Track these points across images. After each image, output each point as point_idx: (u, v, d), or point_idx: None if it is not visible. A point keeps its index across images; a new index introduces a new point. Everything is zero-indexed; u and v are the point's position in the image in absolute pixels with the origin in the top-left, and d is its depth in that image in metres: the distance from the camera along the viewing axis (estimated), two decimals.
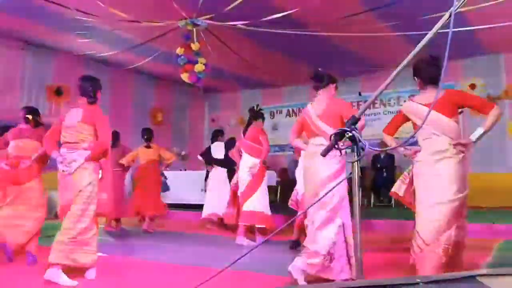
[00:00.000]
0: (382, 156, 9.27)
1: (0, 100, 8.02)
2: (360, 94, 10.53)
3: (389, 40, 7.32)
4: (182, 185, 8.56)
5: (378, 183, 9.14)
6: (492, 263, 3.93)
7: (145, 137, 6.88)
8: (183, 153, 9.63)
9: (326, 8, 6.16)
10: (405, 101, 9.72)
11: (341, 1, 6.12)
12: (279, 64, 9.25)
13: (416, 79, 2.92)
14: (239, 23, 6.24)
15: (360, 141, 1.35)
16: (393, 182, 9.66)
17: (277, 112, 11.59)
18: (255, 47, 8.05)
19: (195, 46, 6.67)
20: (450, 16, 1.28)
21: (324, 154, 1.38)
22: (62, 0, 5.93)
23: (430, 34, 1.31)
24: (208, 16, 6.35)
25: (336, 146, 1.34)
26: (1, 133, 4.42)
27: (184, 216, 7.99)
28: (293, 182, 9.17)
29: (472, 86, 9.15)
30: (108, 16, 6.34)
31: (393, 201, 8.71)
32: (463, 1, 1.27)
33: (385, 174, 9.10)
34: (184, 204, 8.54)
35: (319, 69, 3.60)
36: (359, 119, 1.38)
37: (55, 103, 8.92)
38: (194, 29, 6.66)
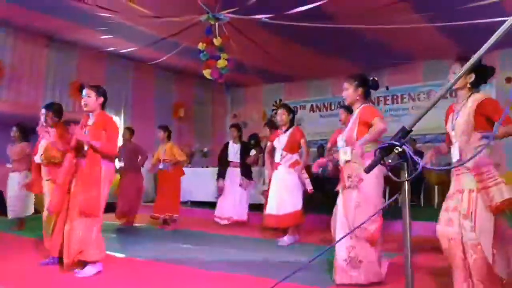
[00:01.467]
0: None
1: (24, 96, 8.08)
2: (387, 88, 10.12)
3: (418, 32, 6.95)
4: (201, 182, 8.42)
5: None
6: None
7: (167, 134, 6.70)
8: (205, 149, 9.50)
9: None
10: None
11: None
12: (303, 57, 8.98)
13: (471, 74, 2.47)
14: (263, 17, 6.01)
15: (412, 157, 1.13)
16: (422, 179, 9.34)
17: (300, 107, 11.32)
18: (279, 40, 7.80)
19: (217, 41, 6.49)
20: None
21: (368, 171, 1.17)
22: None
23: (494, 38, 1.07)
24: (230, 10, 6.15)
25: (382, 162, 1.14)
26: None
27: (203, 215, 7.86)
28: (317, 179, 8.99)
29: (508, 80, 8.66)
30: (129, 12, 6.24)
31: (422, 201, 8.38)
32: None
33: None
34: (204, 202, 8.40)
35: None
36: (410, 131, 1.17)
37: (79, 99, 8.92)
38: (216, 24, 6.48)
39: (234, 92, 12.89)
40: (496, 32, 1.11)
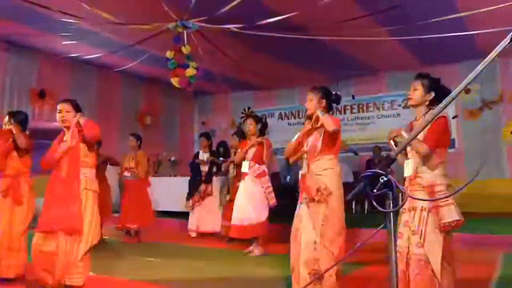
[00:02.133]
0: (376, 161, 9.10)
1: None
2: (353, 97, 10.35)
3: (383, 44, 7.17)
4: (168, 191, 8.26)
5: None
6: (501, 277, 3.76)
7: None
8: (172, 158, 9.33)
9: (322, 12, 5.96)
10: (399, 105, 9.77)
11: (337, 5, 5.93)
12: (271, 67, 9.03)
13: (431, 93, 2.60)
14: (232, 26, 6.00)
15: (397, 186, 1.14)
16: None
17: (269, 116, 11.37)
18: (247, 50, 7.82)
19: (186, 49, 6.42)
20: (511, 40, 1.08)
21: (351, 198, 1.17)
22: (46, 1, 5.64)
23: (488, 59, 1.11)
24: (199, 19, 6.10)
25: (366, 191, 1.14)
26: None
27: (170, 225, 7.72)
28: (285, 187, 9.01)
29: (467, 91, 9.05)
30: (94, 18, 6.06)
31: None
32: None
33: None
34: (172, 212, 8.25)
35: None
36: (395, 159, 1.18)
37: (38, 106, 8.57)
38: (185, 32, 6.40)
39: (201, 100, 12.77)
40: (488, 56, 1.15)
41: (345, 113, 10.52)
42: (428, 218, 2.44)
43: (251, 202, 4.95)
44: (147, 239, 6.33)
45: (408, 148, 2.61)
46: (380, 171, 1.15)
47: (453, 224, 2.39)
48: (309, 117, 5.13)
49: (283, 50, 7.81)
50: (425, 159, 2.52)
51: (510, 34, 1.11)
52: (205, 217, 6.50)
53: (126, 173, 6.36)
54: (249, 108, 11.72)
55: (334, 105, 3.37)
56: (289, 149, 3.36)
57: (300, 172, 3.27)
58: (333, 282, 2.99)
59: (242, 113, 11.58)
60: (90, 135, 3.24)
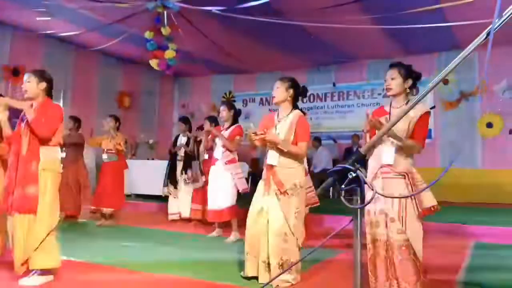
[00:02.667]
0: (355, 149, 9.18)
1: None
2: (334, 84, 10.39)
3: (364, 32, 7.17)
4: (146, 175, 8.17)
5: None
6: (470, 266, 3.87)
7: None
8: (150, 141, 9.21)
9: None
10: (379, 94, 9.84)
11: None
12: (252, 51, 8.94)
13: (408, 80, 2.64)
14: (214, 8, 5.88)
15: (365, 183, 1.13)
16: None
17: (250, 100, 11.31)
18: (228, 33, 7.70)
19: (165, 30, 6.28)
20: (488, 35, 1.06)
21: (321, 193, 1.15)
22: None
23: (465, 53, 1.10)
24: None
25: (335, 186, 1.12)
26: None
27: (147, 208, 7.66)
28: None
29: (445, 81, 9.17)
30: None
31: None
32: (504, 20, 1.05)
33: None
34: (149, 195, 8.16)
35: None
36: (364, 156, 1.16)
37: (12, 83, 8.30)
38: (165, 12, 6.25)
39: (181, 82, 12.60)
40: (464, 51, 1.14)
41: (325, 100, 10.55)
42: (407, 204, 2.50)
43: (221, 187, 4.98)
44: (123, 222, 6.26)
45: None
46: (348, 167, 1.14)
47: (432, 209, 2.48)
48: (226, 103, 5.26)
49: (265, 34, 7.73)
50: (405, 149, 2.56)
51: (487, 30, 1.10)
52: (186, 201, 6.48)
53: (104, 155, 6.24)
54: (230, 92, 11.63)
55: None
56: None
57: (267, 162, 3.24)
58: (299, 268, 3.14)
59: (223, 97, 11.48)
60: (37, 135, 3.07)
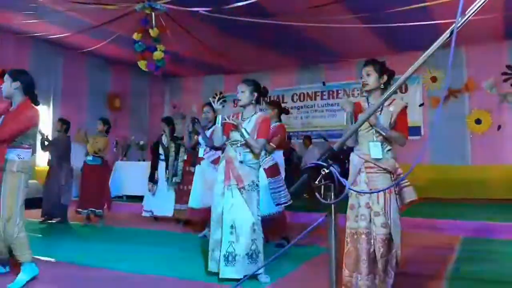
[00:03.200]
0: (344, 147, 9.21)
1: None
2: (324, 84, 10.43)
3: (353, 32, 7.22)
4: (136, 176, 8.14)
5: (340, 175, 9.13)
6: (457, 260, 3.92)
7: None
8: (141, 142, 9.19)
9: None
10: None
11: None
12: (242, 51, 8.96)
13: (383, 76, 2.74)
14: (201, 10, 5.89)
15: (338, 179, 1.15)
16: (347, 172, 9.82)
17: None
18: (217, 33, 7.71)
19: (153, 32, 6.27)
20: (451, 34, 1.09)
21: (294, 191, 1.18)
22: None
23: (430, 51, 1.13)
24: (167, 0, 5.95)
25: (310, 183, 1.14)
26: None
27: (137, 209, 7.64)
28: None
29: (433, 79, 9.26)
30: None
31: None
32: (467, 18, 1.08)
33: (347, 165, 9.00)
34: (140, 196, 8.14)
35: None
36: (337, 153, 1.18)
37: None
38: (153, 14, 6.24)
39: (171, 83, 12.58)
40: (430, 49, 1.16)
41: (315, 99, 10.59)
42: (391, 199, 2.58)
43: (207, 186, 4.98)
44: (113, 223, 6.26)
45: (369, 131, 2.68)
46: (321, 163, 1.16)
47: (413, 203, 2.60)
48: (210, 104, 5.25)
49: (253, 34, 7.75)
50: (389, 144, 2.67)
51: (450, 28, 1.12)
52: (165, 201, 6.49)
53: (88, 157, 6.24)
54: (220, 92, 11.62)
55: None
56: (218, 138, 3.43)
57: (228, 156, 3.32)
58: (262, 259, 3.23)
59: (213, 97, 11.46)
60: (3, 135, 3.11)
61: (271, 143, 4.61)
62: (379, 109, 2.71)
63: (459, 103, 9.03)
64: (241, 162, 3.25)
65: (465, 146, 8.96)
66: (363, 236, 2.58)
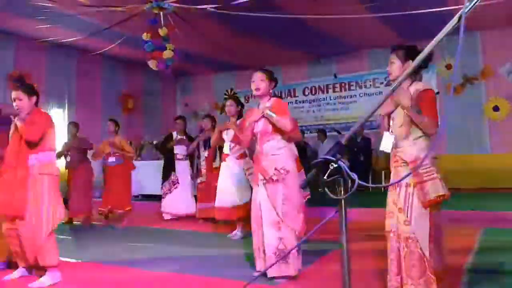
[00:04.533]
0: (358, 139, 9.11)
1: None
2: (335, 76, 10.32)
3: (363, 22, 7.10)
4: (151, 175, 8.20)
5: (354, 167, 9.01)
6: (478, 251, 3.83)
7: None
8: (155, 142, 9.23)
9: None
10: (381, 82, 9.75)
11: None
12: (252, 47, 8.93)
13: (410, 61, 2.48)
14: (208, 7, 5.86)
15: (348, 173, 1.11)
16: (369, 165, 9.67)
17: (252, 96, 11.27)
18: (226, 30, 7.69)
19: (162, 31, 6.27)
20: (460, 19, 1.04)
21: (304, 186, 1.14)
22: None
23: (439, 37, 1.08)
24: None
25: (319, 178, 1.11)
26: None
27: (154, 209, 7.71)
28: None
29: (449, 67, 9.06)
30: (67, 1, 5.89)
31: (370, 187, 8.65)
32: (474, 3, 1.02)
33: (362, 158, 8.95)
34: (155, 195, 8.21)
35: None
36: (345, 146, 1.14)
37: None
38: (161, 13, 6.25)
39: (183, 82, 12.63)
40: (440, 32, 1.11)
41: (327, 92, 10.50)
42: (413, 194, 2.37)
43: (234, 183, 4.92)
44: (131, 223, 6.33)
45: (391, 122, 2.52)
46: (330, 158, 1.12)
47: (438, 199, 2.33)
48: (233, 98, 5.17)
49: (262, 29, 7.69)
50: (406, 132, 2.43)
51: (458, 13, 1.07)
52: (185, 199, 6.53)
53: (111, 158, 6.31)
54: (231, 89, 11.61)
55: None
56: (247, 138, 3.37)
57: (259, 149, 3.26)
58: (297, 260, 3.09)
59: (225, 94, 11.47)
60: (28, 140, 3.18)
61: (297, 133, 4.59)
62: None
63: (475, 90, 8.83)
64: (263, 153, 3.17)
65: (483, 134, 8.77)
66: (391, 234, 2.45)
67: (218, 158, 5.76)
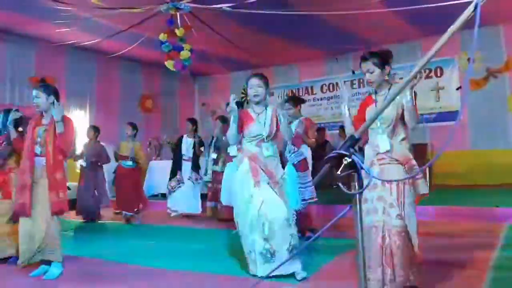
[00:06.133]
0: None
1: None
2: (353, 72, 10.20)
3: (381, 17, 7.00)
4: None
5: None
6: (502, 248, 3.74)
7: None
8: (173, 141, 9.33)
9: None
10: (401, 78, 9.56)
11: None
12: (268, 44, 8.90)
13: (386, 67, 2.63)
14: (224, 6, 5.87)
15: (362, 168, 1.09)
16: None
17: (271, 94, 11.28)
18: (242, 29, 7.69)
19: (179, 32, 6.32)
20: (475, 8, 1.01)
21: (315, 183, 1.12)
22: None
23: (454, 26, 1.04)
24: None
25: (332, 173, 1.09)
26: None
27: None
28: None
29: (471, 60, 8.84)
30: (84, 4, 5.99)
31: None
32: None
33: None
34: None
35: None
36: (359, 139, 1.12)
37: None
38: (178, 13, 6.29)
39: (201, 81, 12.69)
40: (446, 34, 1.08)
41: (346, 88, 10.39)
42: (405, 190, 2.50)
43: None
44: (149, 221, 6.43)
45: (377, 124, 2.61)
46: (343, 152, 1.10)
47: (423, 196, 2.58)
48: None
49: (278, 27, 7.66)
50: (393, 134, 2.60)
51: (473, 2, 1.03)
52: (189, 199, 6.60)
53: (127, 161, 6.41)
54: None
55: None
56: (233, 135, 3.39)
57: (250, 152, 3.28)
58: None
59: (242, 93, 11.49)
60: (62, 149, 3.42)
61: (310, 138, 4.58)
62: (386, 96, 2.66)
63: (499, 83, 8.58)
64: (269, 156, 3.21)
65: (507, 129, 8.50)
66: (373, 229, 2.49)
67: (221, 163, 5.84)
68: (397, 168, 2.54)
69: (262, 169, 3.19)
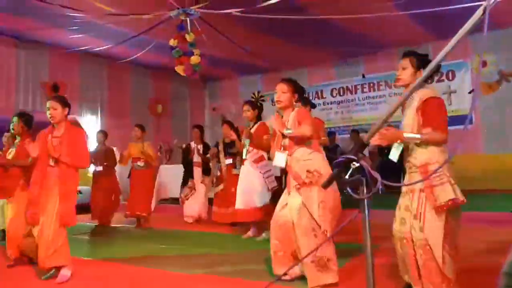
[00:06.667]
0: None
1: None
2: (364, 76, 10.16)
3: (392, 20, 6.95)
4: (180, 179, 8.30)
5: (386, 169, 8.74)
6: None
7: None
8: (183, 145, 9.35)
9: None
10: None
11: None
12: (277, 49, 8.92)
13: (420, 71, 2.46)
14: (233, 11, 5.90)
15: (370, 172, 1.08)
16: (401, 167, 9.42)
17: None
18: (252, 33, 7.72)
19: (189, 37, 6.37)
20: (484, 12, 1.00)
21: (326, 186, 1.12)
22: None
23: (464, 29, 1.03)
24: (201, 5, 6.03)
25: (340, 178, 1.08)
26: None
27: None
28: None
29: (483, 63, 8.74)
30: (95, 11, 6.07)
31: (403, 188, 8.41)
32: None
33: (386, 158, 8.66)
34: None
35: None
36: (367, 144, 1.11)
37: None
38: (187, 19, 6.34)
39: (210, 86, 12.76)
40: (458, 33, 1.07)
41: (356, 92, 10.34)
42: (425, 199, 2.31)
43: (251, 186, 4.94)
44: (160, 225, 6.44)
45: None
46: (351, 157, 1.09)
47: (449, 203, 2.24)
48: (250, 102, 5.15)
49: (287, 31, 7.67)
50: (430, 142, 2.35)
51: (482, 6, 1.02)
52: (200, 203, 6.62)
53: (139, 163, 6.43)
54: (258, 92, 11.65)
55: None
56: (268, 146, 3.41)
57: (277, 165, 3.26)
58: (335, 266, 2.94)
59: (252, 97, 11.51)
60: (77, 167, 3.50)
61: (323, 137, 4.56)
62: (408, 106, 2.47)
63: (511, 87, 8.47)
64: (295, 160, 3.13)
65: None
66: (404, 241, 2.38)
67: (238, 166, 5.82)
68: (417, 176, 2.35)
69: (291, 175, 3.16)
